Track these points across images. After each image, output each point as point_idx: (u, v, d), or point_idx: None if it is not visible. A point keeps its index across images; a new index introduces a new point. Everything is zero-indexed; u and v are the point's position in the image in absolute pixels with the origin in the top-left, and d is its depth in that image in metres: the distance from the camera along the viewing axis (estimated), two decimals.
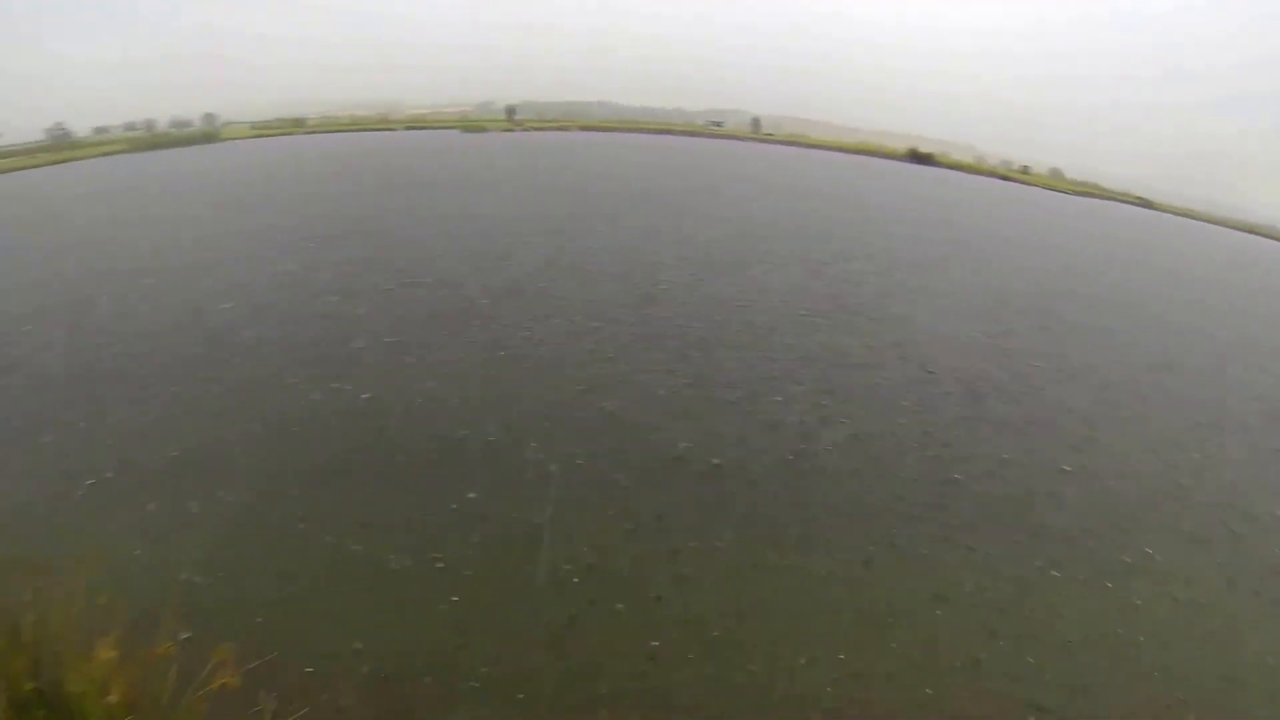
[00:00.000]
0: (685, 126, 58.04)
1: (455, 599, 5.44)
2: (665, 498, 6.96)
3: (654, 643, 5.13)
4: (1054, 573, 6.27)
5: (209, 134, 66.67)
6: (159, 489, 6.78)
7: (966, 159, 59.75)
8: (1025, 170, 63.80)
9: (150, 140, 63.42)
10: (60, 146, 62.47)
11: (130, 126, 77.16)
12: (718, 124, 60.45)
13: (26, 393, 8.92)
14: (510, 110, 62.98)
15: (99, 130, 75.35)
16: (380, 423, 8.17)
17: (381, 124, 66.92)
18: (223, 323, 11.35)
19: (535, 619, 5.31)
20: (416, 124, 64.08)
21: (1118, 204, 56.77)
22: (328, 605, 5.34)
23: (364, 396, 8.77)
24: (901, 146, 56.97)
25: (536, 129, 56.57)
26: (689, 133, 54.92)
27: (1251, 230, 57.18)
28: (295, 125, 70.10)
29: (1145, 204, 60.17)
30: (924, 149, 56.06)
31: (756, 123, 58.61)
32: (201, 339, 10.73)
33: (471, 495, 6.81)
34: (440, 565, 5.81)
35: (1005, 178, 56.96)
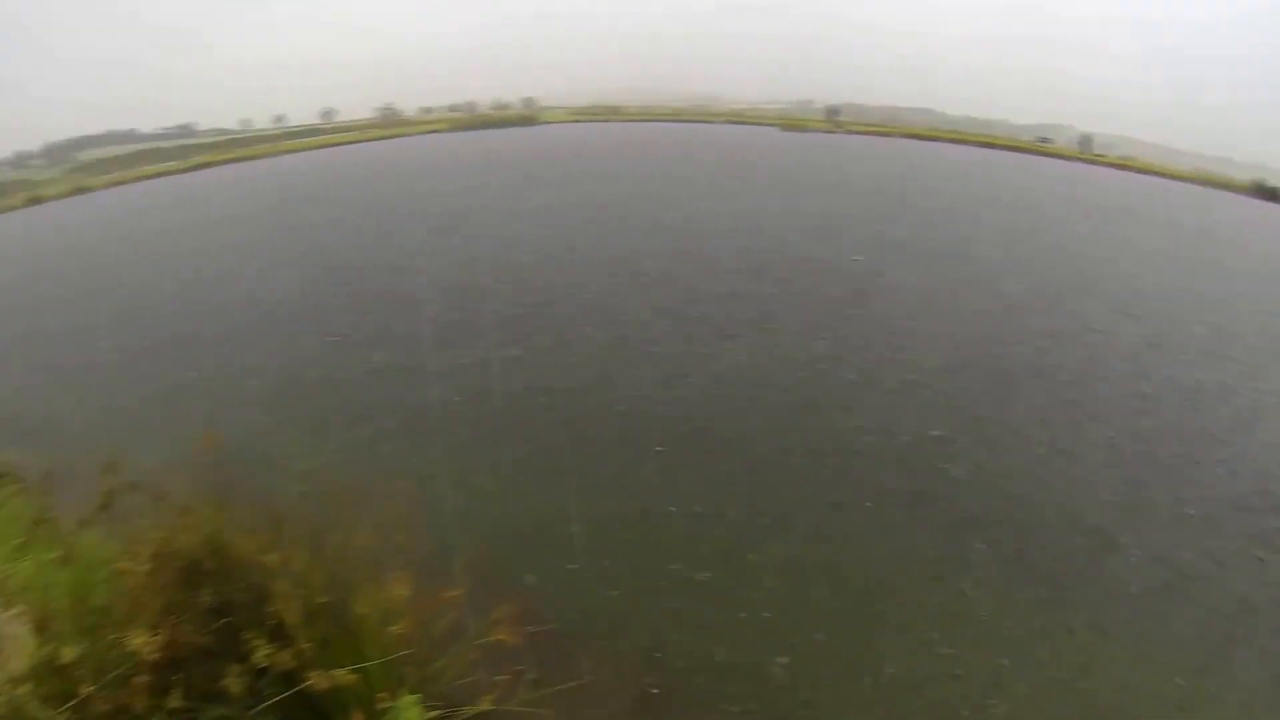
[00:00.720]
0: (1009, 141, 52.34)
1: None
2: None
3: None
4: None
5: (527, 117, 69.44)
6: (503, 434, 6.95)
7: None
8: None
9: (470, 120, 68.06)
10: (389, 124, 71.99)
11: (454, 108, 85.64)
12: (1046, 140, 53.94)
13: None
14: (832, 111, 60.91)
15: (425, 110, 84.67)
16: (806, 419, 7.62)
17: (701, 116, 65.52)
18: None
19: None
20: (735, 119, 61.83)
21: None
22: (631, 594, 4.89)
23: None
24: (1244, 177, 46.48)
25: (858, 132, 53.83)
26: (1014, 148, 49.43)
27: None
28: (612, 112, 71.70)
29: None
30: (1271, 182, 45.31)
31: (1087, 141, 51.25)
32: None
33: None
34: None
35: None
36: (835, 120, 56.70)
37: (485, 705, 3.13)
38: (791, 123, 56.92)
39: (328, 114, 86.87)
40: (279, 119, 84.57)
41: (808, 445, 6.92)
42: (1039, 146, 50.65)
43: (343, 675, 2.76)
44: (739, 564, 5.16)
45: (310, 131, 70.89)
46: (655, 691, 4.06)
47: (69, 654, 2.30)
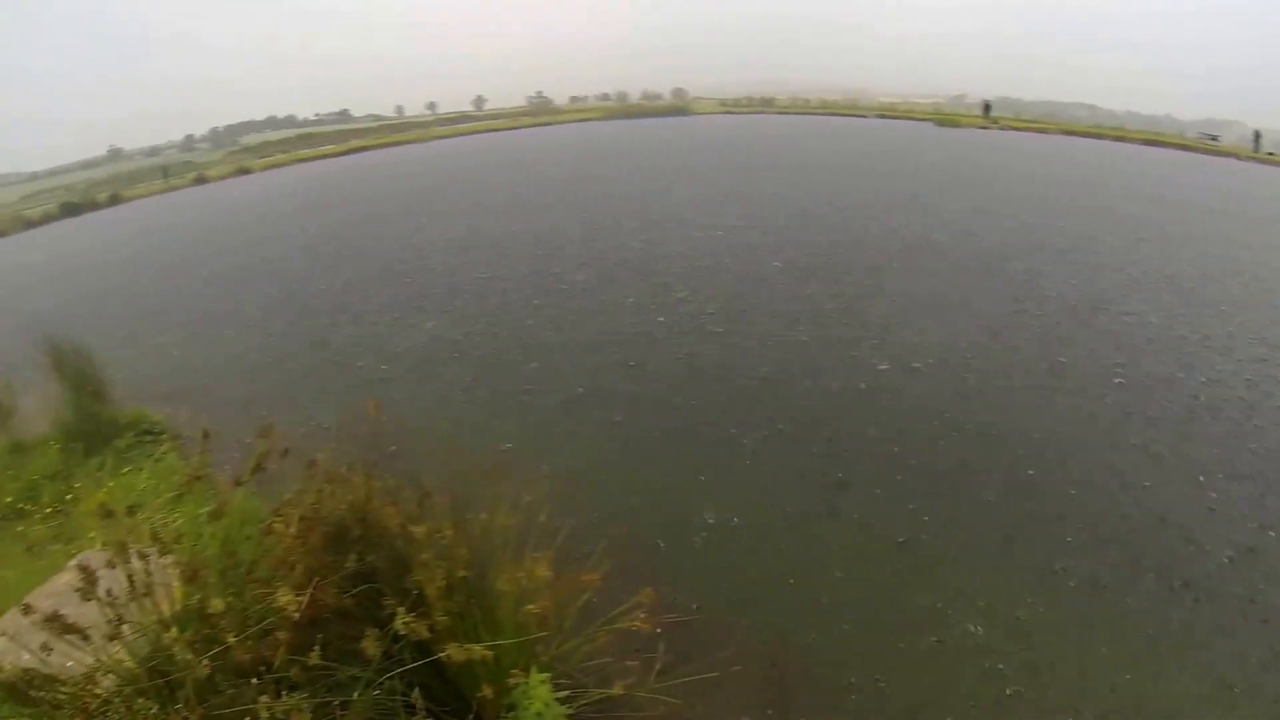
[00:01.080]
0: (1175, 139, 45.79)
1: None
2: None
3: None
4: None
5: (678, 107, 68.52)
6: (661, 413, 6.67)
7: None
8: None
9: (622, 109, 68.33)
10: (539, 111, 73.92)
11: (604, 97, 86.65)
12: (1213, 138, 46.34)
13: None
14: (987, 106, 56.23)
15: (575, 99, 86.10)
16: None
17: (852, 110, 61.88)
18: None
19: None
20: (887, 113, 58.48)
21: None
22: (782, 588, 4.45)
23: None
24: None
25: (1014, 128, 49.28)
26: (1180, 146, 43.13)
27: None
28: (764, 104, 69.15)
29: None
30: None
31: (1258, 138, 43.35)
32: None
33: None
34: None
35: None
36: (990, 116, 51.41)
37: (616, 690, 2.97)
38: (946, 118, 52.26)
39: (479, 102, 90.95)
40: (431, 106, 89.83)
41: (963, 444, 6.03)
42: (1206, 145, 43.11)
43: (478, 649, 2.64)
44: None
45: (462, 118, 74.13)
46: (790, 688, 3.70)
47: (218, 604, 2.31)
